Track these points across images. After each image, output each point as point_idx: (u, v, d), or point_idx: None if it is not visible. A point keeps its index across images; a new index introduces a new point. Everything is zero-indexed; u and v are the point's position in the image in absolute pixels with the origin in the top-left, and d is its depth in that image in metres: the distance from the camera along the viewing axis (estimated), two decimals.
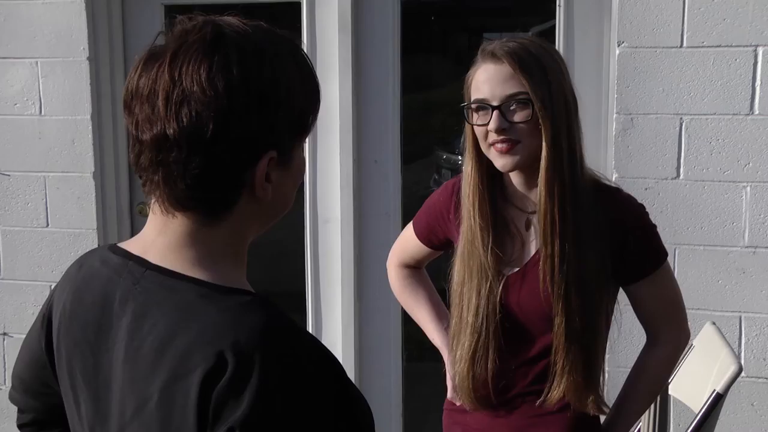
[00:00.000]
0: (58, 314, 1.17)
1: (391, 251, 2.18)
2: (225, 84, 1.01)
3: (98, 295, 1.11)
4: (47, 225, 3.29)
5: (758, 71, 2.68)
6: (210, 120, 1.01)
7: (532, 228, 1.83)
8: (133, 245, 1.13)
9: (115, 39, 3.28)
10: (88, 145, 3.21)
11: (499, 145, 1.75)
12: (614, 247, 1.79)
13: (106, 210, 3.28)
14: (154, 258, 1.09)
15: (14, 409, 1.35)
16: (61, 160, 3.23)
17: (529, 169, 1.79)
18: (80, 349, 1.13)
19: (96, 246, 3.21)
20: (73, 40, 3.16)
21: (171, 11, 3.30)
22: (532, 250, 1.83)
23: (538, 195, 1.77)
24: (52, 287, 3.35)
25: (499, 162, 1.77)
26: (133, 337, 1.06)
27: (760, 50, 2.67)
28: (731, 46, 2.69)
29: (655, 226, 1.86)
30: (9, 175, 3.29)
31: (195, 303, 1.04)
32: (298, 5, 3.16)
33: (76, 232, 3.27)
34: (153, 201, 1.09)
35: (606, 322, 1.85)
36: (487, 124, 1.75)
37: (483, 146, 1.79)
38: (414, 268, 2.14)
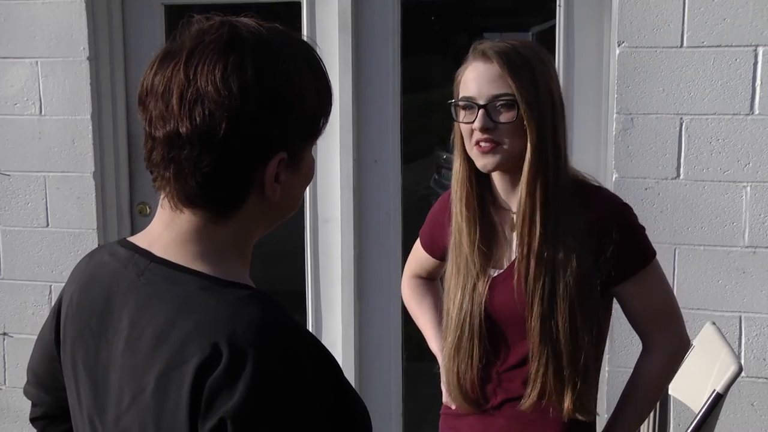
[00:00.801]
0: (65, 306, 1.20)
1: (406, 264, 2.21)
2: (239, 85, 1.03)
3: (104, 287, 1.13)
4: (47, 225, 3.29)
5: (758, 71, 2.68)
6: (223, 120, 1.02)
7: (516, 229, 1.83)
8: (140, 239, 1.15)
9: (115, 39, 3.27)
10: (88, 145, 3.21)
11: (482, 144, 1.76)
12: (595, 247, 1.76)
13: (106, 210, 3.28)
14: (158, 251, 1.10)
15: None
16: (61, 160, 3.23)
17: (512, 171, 1.79)
18: (83, 340, 1.14)
19: (96, 246, 3.22)
20: (73, 40, 3.16)
21: (171, 11, 3.30)
22: (515, 253, 1.83)
23: (518, 195, 1.77)
24: (53, 286, 3.35)
25: (480, 162, 1.78)
26: (133, 327, 1.08)
27: (760, 50, 2.67)
28: (731, 46, 2.69)
29: (640, 226, 1.83)
30: (9, 175, 3.29)
31: (195, 295, 1.05)
32: (298, 5, 3.16)
33: (76, 232, 3.27)
34: (162, 196, 1.11)
35: (592, 324, 1.80)
36: (473, 122, 1.75)
37: (467, 144, 1.80)
38: (426, 279, 2.15)
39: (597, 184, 1.88)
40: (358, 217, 3.20)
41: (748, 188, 2.73)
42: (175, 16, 3.30)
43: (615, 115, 2.79)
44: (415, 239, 2.17)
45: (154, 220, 1.14)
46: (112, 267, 1.14)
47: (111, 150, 3.28)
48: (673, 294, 1.90)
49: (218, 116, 1.02)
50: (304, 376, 1.00)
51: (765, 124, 2.70)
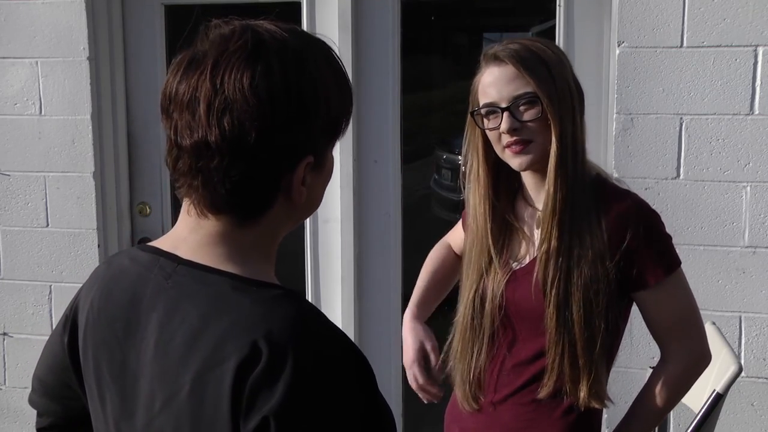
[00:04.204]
0: (84, 313, 1.18)
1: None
2: (268, 93, 1.02)
3: (128, 292, 1.13)
4: (47, 225, 3.29)
5: (758, 71, 2.68)
6: (253, 128, 1.02)
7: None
8: (162, 243, 1.14)
9: (115, 39, 3.28)
10: (88, 145, 3.21)
11: (513, 146, 1.77)
12: (616, 248, 1.76)
13: (106, 210, 3.28)
14: (185, 254, 1.10)
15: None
16: (61, 160, 3.23)
17: (540, 167, 1.80)
18: (108, 346, 1.14)
19: (96, 246, 3.23)
20: (73, 39, 3.16)
21: (171, 11, 3.30)
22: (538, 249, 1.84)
23: (545, 189, 1.78)
24: (53, 286, 3.34)
25: (515, 162, 1.79)
26: (163, 330, 1.07)
27: (760, 50, 2.67)
28: (731, 46, 2.69)
29: (666, 234, 1.83)
30: (9, 175, 3.29)
31: (228, 295, 1.05)
32: (298, 5, 3.16)
33: (76, 232, 3.27)
34: (188, 203, 1.10)
35: (608, 315, 1.80)
36: (498, 126, 1.76)
37: (497, 149, 1.81)
38: (449, 248, 2.17)
39: (625, 188, 1.87)
40: (358, 217, 3.20)
41: (748, 188, 2.73)
42: (175, 16, 3.30)
43: (615, 115, 2.79)
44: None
45: (177, 224, 1.14)
46: (135, 271, 1.13)
47: (111, 150, 3.28)
48: (695, 306, 1.86)
49: (248, 125, 1.02)
50: (341, 372, 1.01)
51: (765, 124, 2.70)
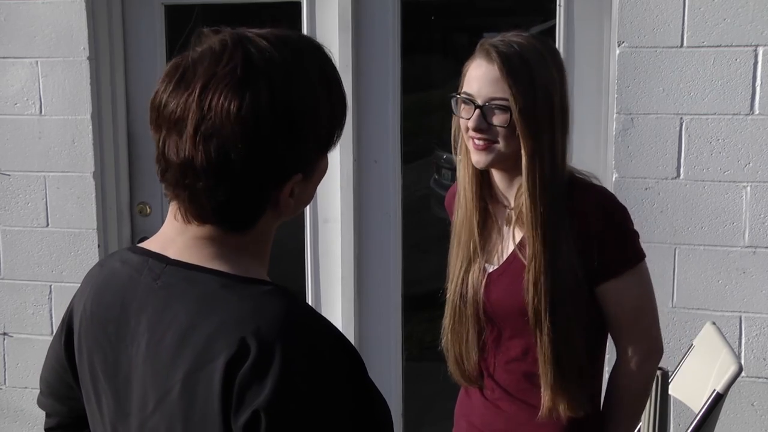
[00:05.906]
0: (78, 315, 1.19)
1: None
2: (255, 121, 1.03)
3: (118, 294, 1.13)
4: (47, 225, 3.29)
5: (758, 71, 2.68)
6: (239, 155, 1.03)
7: (511, 225, 1.86)
8: (152, 244, 1.15)
9: (115, 39, 3.27)
10: (88, 145, 3.21)
11: (476, 141, 1.79)
12: (583, 247, 1.77)
13: (106, 210, 3.28)
14: (174, 254, 1.10)
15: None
16: (61, 160, 3.23)
17: (509, 168, 1.82)
18: (101, 348, 1.14)
19: (96, 246, 3.23)
20: (73, 39, 3.16)
21: (171, 11, 3.30)
22: (510, 248, 1.85)
23: (522, 199, 1.79)
24: (53, 286, 3.34)
25: (474, 157, 1.82)
26: (154, 331, 1.08)
27: (760, 50, 2.67)
28: (731, 46, 2.69)
29: (630, 230, 1.82)
30: (9, 175, 3.29)
31: (216, 293, 1.06)
32: (298, 5, 3.16)
33: (76, 232, 3.27)
34: (175, 207, 1.11)
35: (586, 325, 1.81)
36: (469, 119, 1.79)
37: (465, 137, 1.83)
38: None
39: (593, 183, 1.87)
40: (358, 217, 3.20)
41: (748, 188, 2.73)
42: (175, 16, 3.30)
43: (615, 115, 2.79)
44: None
45: (165, 225, 1.14)
46: (125, 273, 1.14)
47: (111, 150, 3.28)
48: (652, 304, 1.86)
49: (234, 151, 1.02)
50: (328, 366, 1.02)
51: (765, 124, 2.70)
